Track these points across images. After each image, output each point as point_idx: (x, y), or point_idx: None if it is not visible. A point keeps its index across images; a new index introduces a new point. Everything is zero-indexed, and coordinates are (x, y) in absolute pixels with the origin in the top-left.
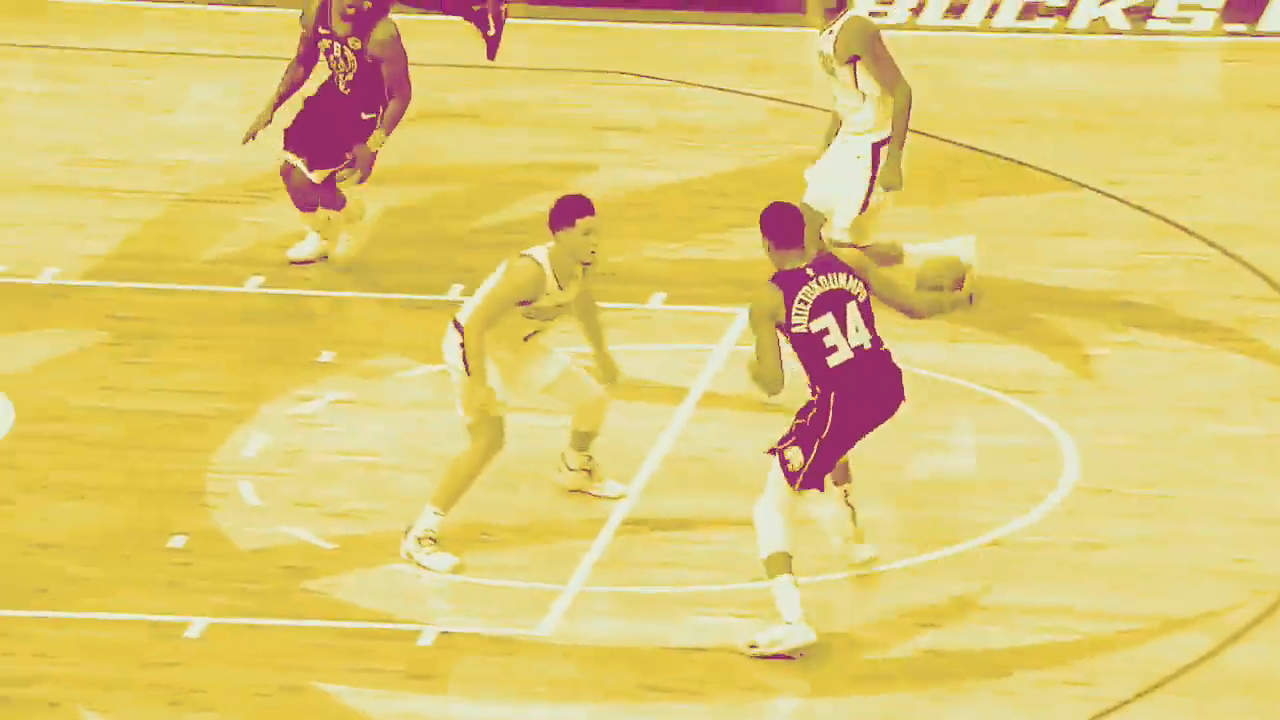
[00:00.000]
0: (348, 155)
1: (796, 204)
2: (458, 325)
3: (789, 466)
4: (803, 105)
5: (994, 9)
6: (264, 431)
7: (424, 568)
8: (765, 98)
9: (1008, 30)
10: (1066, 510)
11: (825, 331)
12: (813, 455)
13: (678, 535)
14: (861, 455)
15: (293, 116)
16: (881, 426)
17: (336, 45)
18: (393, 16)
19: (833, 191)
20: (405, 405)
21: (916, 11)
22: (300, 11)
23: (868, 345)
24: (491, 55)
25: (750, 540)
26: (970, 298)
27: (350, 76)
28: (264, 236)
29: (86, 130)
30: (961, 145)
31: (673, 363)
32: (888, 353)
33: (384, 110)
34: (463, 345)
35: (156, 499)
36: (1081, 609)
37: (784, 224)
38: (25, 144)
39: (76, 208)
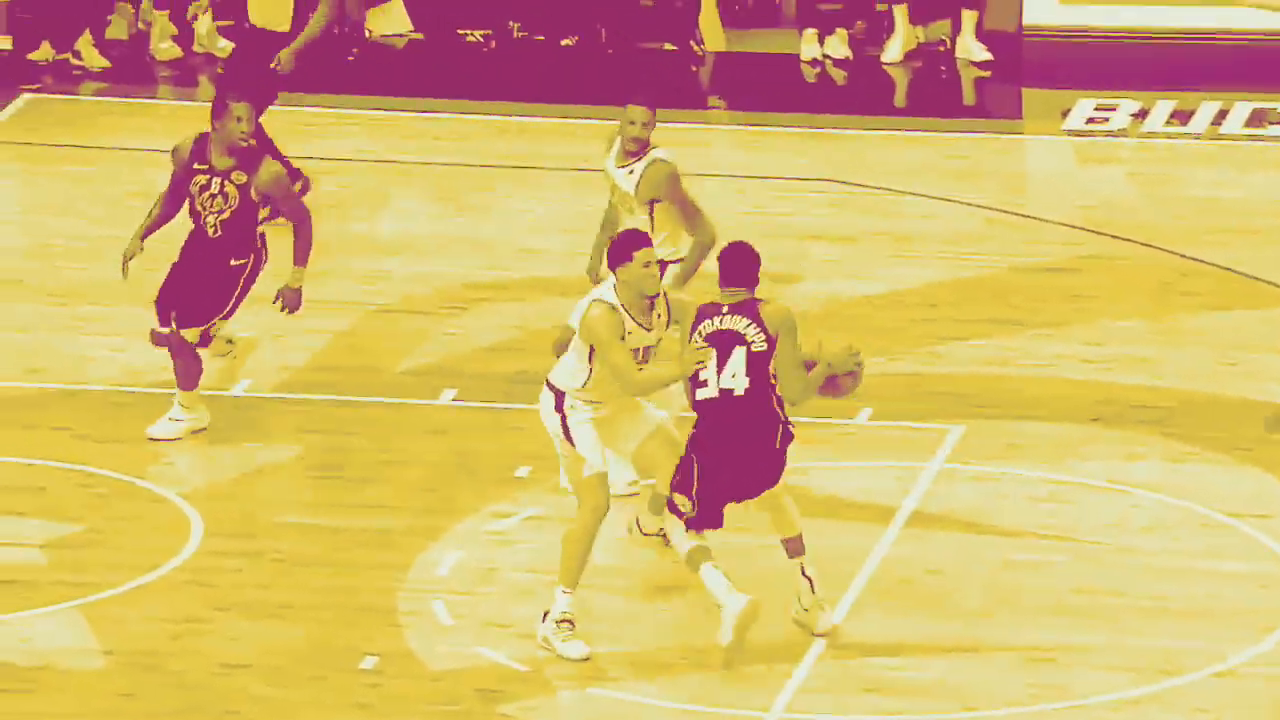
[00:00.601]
0: (273, 300)
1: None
2: (551, 385)
3: (680, 509)
4: (1016, 214)
5: (1221, 116)
6: (457, 548)
7: (558, 654)
8: (977, 206)
9: (1235, 138)
10: None
11: (703, 365)
12: (694, 496)
13: (884, 661)
14: (1080, 580)
15: (161, 282)
16: (1089, 550)
17: (215, 181)
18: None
19: None
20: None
21: (1139, 117)
22: (173, 146)
23: (739, 392)
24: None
25: (961, 668)
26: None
27: (226, 215)
28: (458, 348)
29: (282, 239)
30: (1185, 257)
31: (880, 481)
32: (767, 407)
33: (273, 246)
34: (559, 410)
35: (347, 618)
36: None
37: (729, 262)
38: None
39: (273, 318)
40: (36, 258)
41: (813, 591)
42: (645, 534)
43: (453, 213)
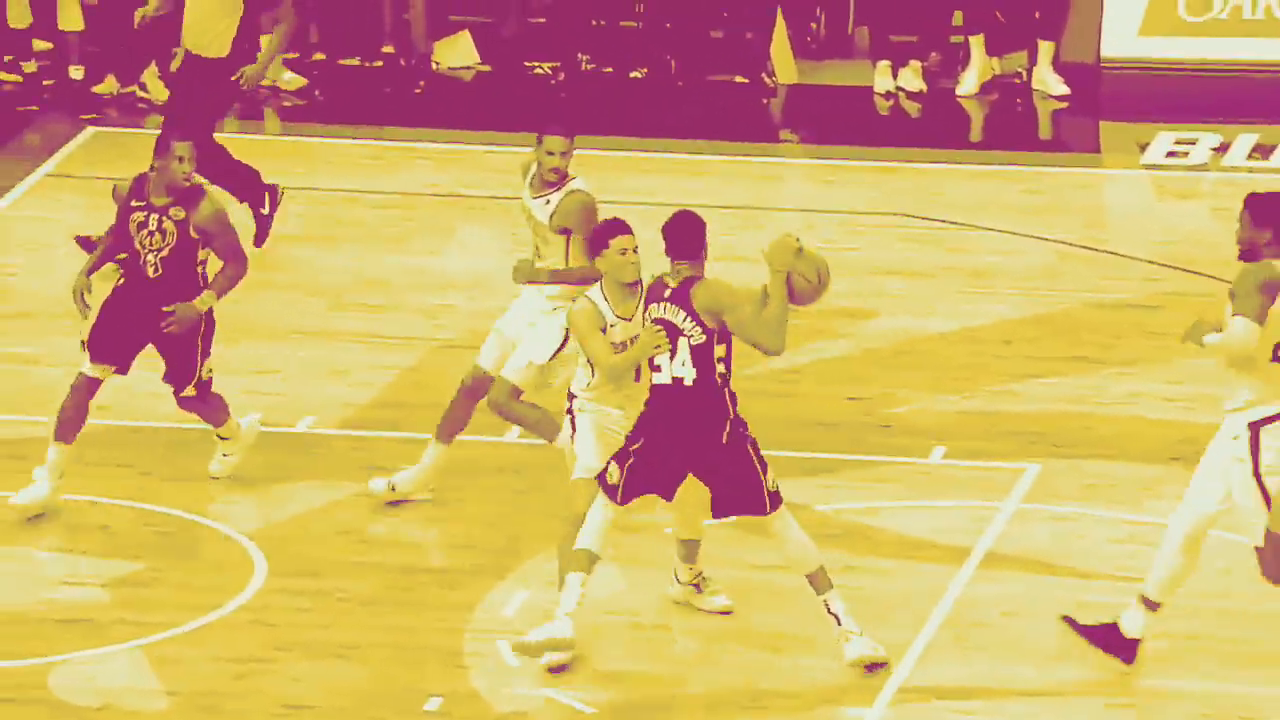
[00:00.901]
0: (171, 323)
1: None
2: (570, 392)
3: (608, 480)
4: (1094, 249)
5: None
6: (524, 588)
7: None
8: (1054, 241)
9: None
10: None
11: (661, 348)
12: (626, 469)
13: (957, 705)
14: (1160, 623)
15: (92, 328)
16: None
17: (153, 217)
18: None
19: (520, 342)
20: (671, 562)
21: (1220, 151)
22: (113, 186)
23: (689, 381)
24: (260, 241)
25: (1037, 713)
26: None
27: (166, 252)
28: None
29: (347, 274)
30: None
31: (953, 521)
32: (715, 398)
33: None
34: (569, 411)
35: (412, 658)
36: None
37: (672, 234)
38: (287, 287)
39: (336, 354)
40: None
41: (839, 624)
42: (680, 583)
43: (519, 247)
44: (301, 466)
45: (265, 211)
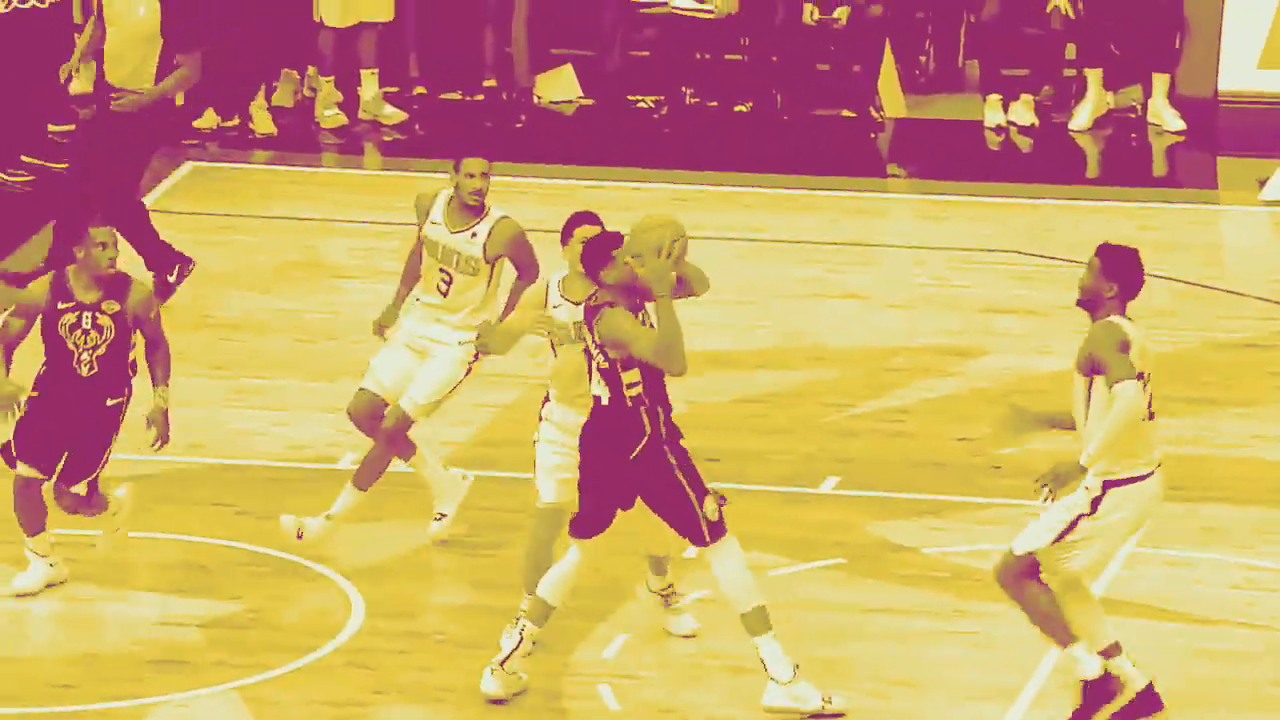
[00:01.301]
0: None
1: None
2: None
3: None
4: (1211, 287)
5: None
6: (623, 630)
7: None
8: (1170, 279)
9: None
10: None
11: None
12: (578, 489)
13: None
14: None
15: (17, 430)
16: None
17: (86, 316)
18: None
19: (415, 374)
20: (778, 605)
21: None
22: (22, 293)
23: (605, 400)
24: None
25: None
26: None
27: (102, 350)
28: None
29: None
30: None
31: None
32: (629, 418)
33: (144, 375)
34: (540, 418)
35: (511, 702)
36: None
37: (584, 254)
38: None
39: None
40: (198, 329)
41: (766, 669)
42: (651, 591)
43: None
44: (400, 506)
45: (172, 279)
